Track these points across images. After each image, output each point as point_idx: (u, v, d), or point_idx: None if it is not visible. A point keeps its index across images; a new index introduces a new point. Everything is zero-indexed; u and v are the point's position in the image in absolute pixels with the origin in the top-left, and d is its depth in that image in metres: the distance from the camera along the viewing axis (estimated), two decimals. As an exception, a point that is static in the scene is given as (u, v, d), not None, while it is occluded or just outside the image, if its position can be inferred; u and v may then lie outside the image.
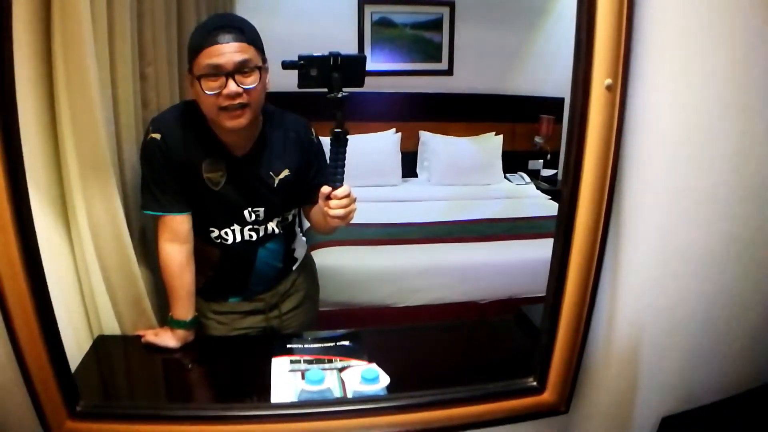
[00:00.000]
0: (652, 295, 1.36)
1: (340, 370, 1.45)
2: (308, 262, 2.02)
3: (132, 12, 1.69)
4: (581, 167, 1.15)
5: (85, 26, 1.36)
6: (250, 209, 1.69)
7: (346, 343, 1.58)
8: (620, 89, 1.12)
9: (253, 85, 1.47)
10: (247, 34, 1.48)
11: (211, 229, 1.69)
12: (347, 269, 2.90)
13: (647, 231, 1.29)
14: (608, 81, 1.10)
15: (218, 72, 1.44)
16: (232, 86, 1.44)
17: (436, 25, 4.29)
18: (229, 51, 1.44)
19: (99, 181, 1.47)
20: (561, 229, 1.21)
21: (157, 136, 1.56)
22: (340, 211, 1.48)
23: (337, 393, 1.35)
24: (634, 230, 1.28)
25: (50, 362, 1.13)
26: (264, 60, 1.52)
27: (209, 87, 1.45)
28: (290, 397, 1.35)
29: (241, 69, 1.45)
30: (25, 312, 1.09)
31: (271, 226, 1.74)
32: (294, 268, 1.91)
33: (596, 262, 1.22)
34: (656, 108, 1.20)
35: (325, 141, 1.53)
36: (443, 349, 1.69)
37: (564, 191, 1.19)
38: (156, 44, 1.90)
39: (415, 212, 3.65)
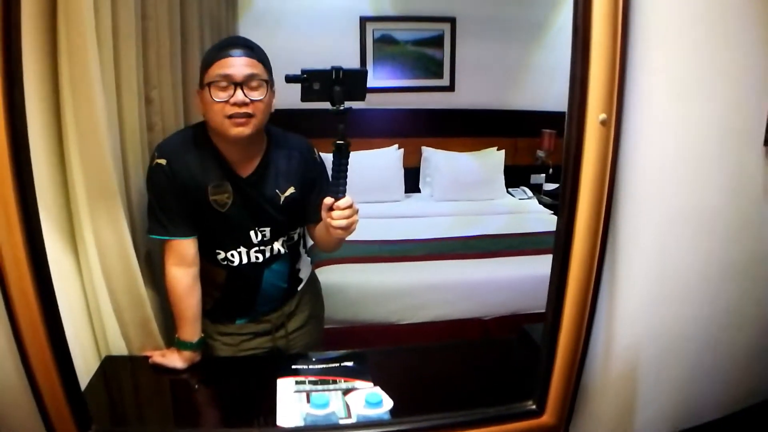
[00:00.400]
0: (649, 317, 1.38)
1: (345, 392, 1.46)
2: (313, 282, 2.03)
3: (137, 37, 1.72)
4: (576, 198, 1.19)
5: (90, 52, 1.38)
6: (256, 229, 1.70)
7: (350, 363, 1.59)
8: (614, 123, 1.15)
9: (260, 98, 1.53)
10: (257, 53, 1.56)
11: (217, 251, 1.71)
12: (351, 287, 2.91)
13: (643, 255, 1.32)
14: (603, 116, 1.14)
15: (228, 81, 1.50)
16: (239, 95, 1.50)
17: (437, 41, 4.33)
18: (240, 63, 1.51)
19: (106, 204, 1.49)
20: (558, 256, 1.24)
21: (163, 161, 1.58)
22: (343, 222, 1.49)
23: (342, 415, 1.36)
24: (629, 255, 1.31)
25: (62, 386, 1.15)
26: (271, 82, 1.58)
27: (218, 95, 1.51)
28: (296, 419, 1.36)
29: (249, 81, 1.51)
30: (37, 337, 1.11)
31: (277, 246, 1.76)
32: (299, 288, 1.92)
33: (593, 286, 1.24)
34: (650, 138, 1.23)
35: (328, 157, 1.55)
36: (446, 369, 1.69)
37: (560, 222, 1.22)
38: (160, 68, 1.93)
39: (418, 228, 3.67)
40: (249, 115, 1.52)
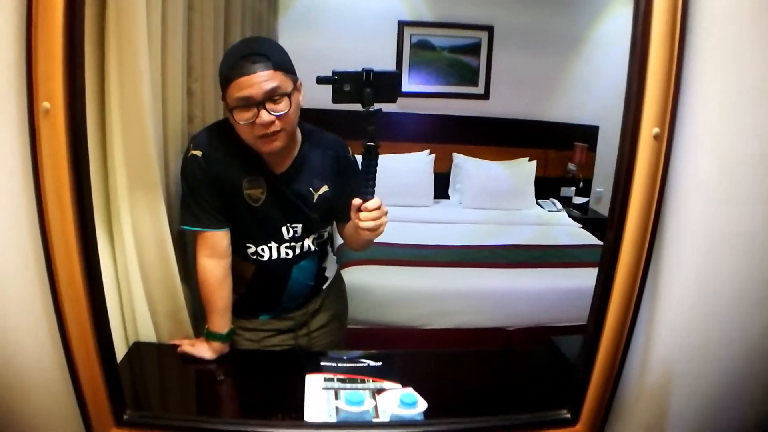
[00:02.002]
0: (685, 333, 1.36)
1: (374, 391, 1.46)
2: (338, 282, 2.03)
3: (183, 28, 1.74)
4: (626, 210, 1.18)
5: (141, 43, 1.40)
6: (288, 225, 1.71)
7: (378, 363, 1.59)
8: (666, 138, 1.16)
9: (285, 111, 1.49)
10: (274, 59, 1.50)
11: (247, 245, 1.72)
12: (376, 288, 2.91)
13: (684, 271, 1.31)
14: (656, 130, 1.14)
15: (249, 103, 1.47)
16: (264, 116, 1.47)
17: (474, 49, 4.32)
18: (257, 81, 1.46)
19: (146, 193, 1.51)
20: (604, 268, 1.24)
21: (198, 153, 1.59)
22: (371, 223, 1.48)
23: (371, 414, 1.36)
24: (672, 271, 1.30)
25: (101, 368, 1.16)
26: (294, 80, 1.54)
27: (242, 118, 1.49)
28: (324, 414, 1.36)
29: (271, 97, 1.47)
30: (80, 317, 1.13)
31: (308, 243, 1.76)
32: (324, 287, 1.93)
33: (635, 301, 1.24)
34: (699, 156, 1.22)
35: (357, 159, 1.56)
36: (474, 375, 1.70)
37: (608, 233, 1.22)
38: (203, 61, 1.94)
39: (445, 234, 3.66)
40: (277, 131, 1.51)
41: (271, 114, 1.47)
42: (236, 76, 1.46)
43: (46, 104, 1.02)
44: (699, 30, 1.15)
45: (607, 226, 1.24)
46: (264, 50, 1.50)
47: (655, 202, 1.18)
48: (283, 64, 1.51)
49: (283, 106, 1.49)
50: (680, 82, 1.15)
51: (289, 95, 1.50)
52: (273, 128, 1.49)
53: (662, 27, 1.10)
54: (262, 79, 1.46)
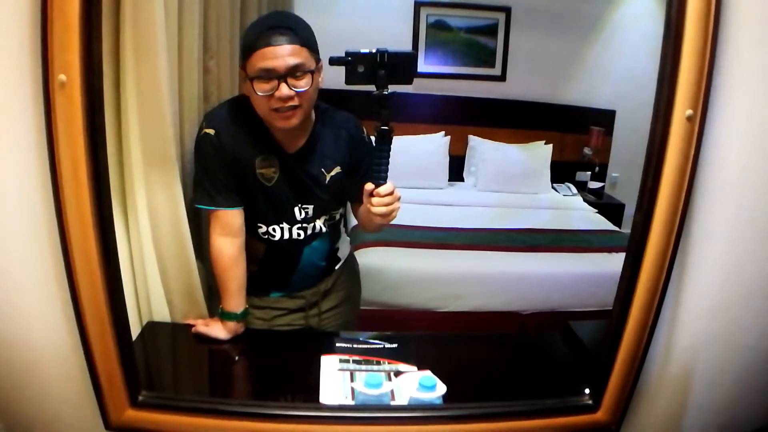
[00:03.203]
0: (709, 321, 1.35)
1: (390, 373, 1.45)
2: (351, 262, 2.02)
3: (200, 6, 1.72)
4: (657, 193, 1.17)
5: (157, 17, 1.38)
6: (300, 206, 1.69)
7: (393, 345, 1.58)
8: (699, 120, 1.13)
9: (305, 88, 1.47)
10: (301, 35, 1.47)
11: (259, 224, 1.70)
12: (390, 270, 2.91)
13: (712, 260, 1.29)
14: (689, 111, 1.12)
15: (271, 75, 1.44)
16: (284, 90, 1.44)
17: (491, 30, 4.28)
18: (282, 54, 1.43)
19: (162, 171, 1.50)
20: (632, 253, 1.22)
21: (211, 131, 1.57)
22: (383, 209, 1.47)
23: (388, 397, 1.35)
24: (699, 259, 1.28)
25: (117, 349, 1.15)
26: (317, 60, 1.52)
27: (262, 89, 1.46)
28: (339, 396, 1.35)
29: (293, 72, 1.45)
30: (95, 297, 1.12)
31: (319, 224, 1.75)
32: (337, 267, 1.92)
33: (662, 287, 1.23)
34: (731, 140, 1.21)
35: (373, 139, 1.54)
36: (491, 359, 1.68)
37: (637, 216, 1.20)
38: (219, 39, 1.92)
39: (460, 217, 3.65)
40: (294, 107, 1.48)
41: (291, 89, 1.45)
42: (261, 46, 1.44)
43: (62, 77, 1.00)
44: (734, 9, 1.12)
45: (636, 208, 1.21)
46: (292, 24, 1.48)
47: (686, 185, 1.16)
48: (309, 41, 1.49)
49: (304, 83, 1.47)
50: (714, 64, 1.12)
51: (311, 72, 1.48)
52: (290, 103, 1.47)
53: (697, 6, 1.08)
54: (287, 53, 1.44)
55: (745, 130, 1.21)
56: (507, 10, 4.25)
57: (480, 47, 4.31)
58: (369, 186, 1.47)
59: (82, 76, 1.01)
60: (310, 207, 1.71)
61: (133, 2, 1.32)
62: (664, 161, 1.14)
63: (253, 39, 1.46)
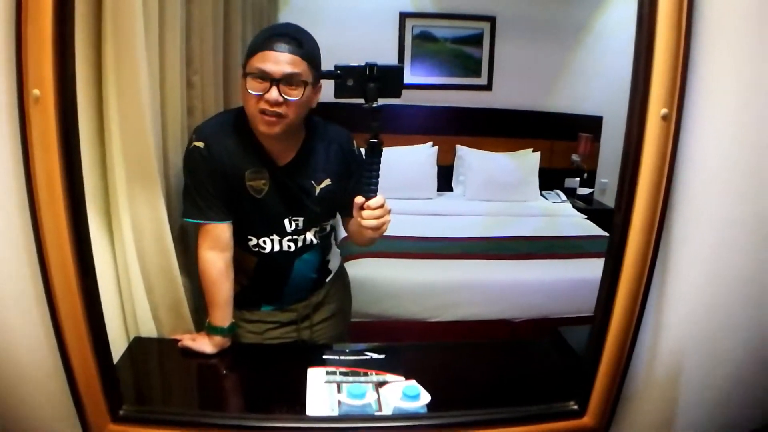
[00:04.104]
0: (695, 324, 1.35)
1: (377, 384, 1.44)
2: (342, 275, 2.02)
3: (182, 20, 1.72)
4: (634, 194, 1.16)
5: (137, 31, 1.38)
6: (290, 218, 1.69)
7: (381, 356, 1.57)
8: (675, 119, 1.13)
9: (296, 98, 1.48)
10: (306, 49, 1.49)
11: (249, 237, 1.70)
12: (380, 281, 2.90)
13: (694, 260, 1.29)
14: (664, 110, 1.12)
15: (265, 77, 1.46)
16: (273, 93, 1.45)
17: (476, 40, 4.30)
18: (281, 60, 1.45)
19: (145, 185, 1.49)
20: (611, 255, 1.22)
21: (201, 144, 1.57)
22: (373, 222, 1.47)
23: (374, 407, 1.34)
24: (681, 259, 1.28)
25: (96, 363, 1.15)
26: (316, 77, 1.52)
27: (253, 87, 1.47)
28: (326, 408, 1.35)
29: (288, 80, 1.46)
30: (74, 311, 1.11)
31: (309, 236, 1.75)
32: (328, 279, 1.91)
33: (643, 289, 1.22)
34: (708, 139, 1.21)
35: (361, 153, 1.54)
36: (479, 367, 1.67)
37: (616, 218, 1.20)
38: (203, 53, 1.93)
39: (449, 227, 3.65)
40: (280, 115, 1.48)
41: (281, 95, 1.46)
42: (265, 48, 1.46)
43: (36, 91, 1.01)
44: (708, 6, 1.12)
45: (614, 211, 1.22)
46: (301, 37, 1.50)
47: (664, 185, 1.16)
48: (312, 57, 1.51)
49: (296, 93, 1.48)
50: (689, 61, 1.12)
51: (305, 85, 1.49)
52: (276, 109, 1.47)
53: (670, 3, 1.08)
54: (287, 60, 1.46)
55: (723, 127, 1.21)
56: (492, 20, 4.27)
57: (466, 57, 4.33)
58: (359, 199, 1.47)
59: (55, 90, 1.01)
60: (301, 219, 1.71)
61: (113, 17, 1.33)
62: (641, 161, 1.14)
63: (259, 41, 1.49)
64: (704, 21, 1.13)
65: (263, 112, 1.48)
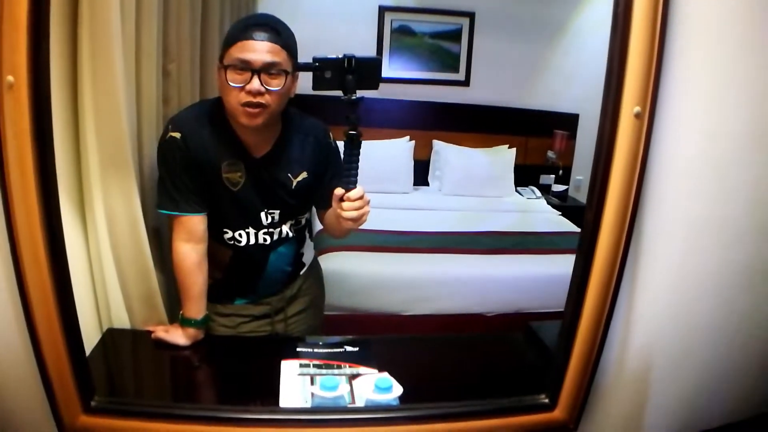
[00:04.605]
0: (665, 319, 1.37)
1: (350, 377, 1.45)
2: (315, 267, 2.02)
3: (159, 9, 1.71)
4: (606, 191, 1.17)
5: (113, 20, 1.36)
6: (266, 210, 1.69)
7: (355, 349, 1.58)
8: (648, 117, 1.15)
9: (277, 88, 1.48)
10: (283, 37, 1.49)
11: (224, 230, 1.69)
12: (355, 275, 2.91)
13: (664, 257, 1.31)
14: (637, 108, 1.13)
15: (246, 67, 1.45)
16: (255, 83, 1.45)
17: (455, 35, 4.32)
18: (261, 49, 1.45)
19: (119, 175, 1.48)
20: (582, 252, 1.23)
21: (177, 135, 1.56)
22: (353, 213, 1.47)
23: (347, 400, 1.35)
24: (651, 256, 1.30)
25: (68, 354, 1.14)
26: (294, 68, 1.52)
27: (234, 79, 1.46)
28: (299, 401, 1.35)
29: (268, 69, 1.46)
30: (46, 302, 1.10)
31: (285, 229, 1.75)
32: (302, 272, 1.92)
33: (614, 285, 1.24)
34: (680, 137, 1.22)
35: (339, 145, 1.54)
36: (452, 361, 1.69)
37: (588, 214, 1.21)
38: (180, 42, 1.92)
39: (425, 221, 3.66)
40: (262, 105, 1.48)
41: (263, 85, 1.46)
42: (243, 38, 1.46)
43: (10, 78, 0.99)
44: (681, 5, 1.14)
45: (586, 208, 1.23)
46: (278, 27, 1.50)
47: (636, 183, 1.17)
48: (290, 46, 1.51)
49: (277, 83, 1.48)
50: (662, 60, 1.14)
51: (286, 74, 1.49)
52: (259, 99, 1.47)
53: (645, 3, 1.09)
54: (266, 49, 1.46)
55: (695, 126, 1.22)
56: (471, 16, 4.29)
57: (444, 52, 4.35)
58: (339, 191, 1.47)
59: (29, 77, 0.99)
60: (277, 212, 1.71)
61: (89, 5, 1.31)
62: (613, 158, 1.15)
63: (236, 32, 1.48)
64: (678, 21, 1.14)
65: (246, 104, 1.47)
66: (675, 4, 1.13)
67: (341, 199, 1.47)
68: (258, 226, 1.70)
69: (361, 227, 1.55)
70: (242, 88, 1.46)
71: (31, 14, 0.99)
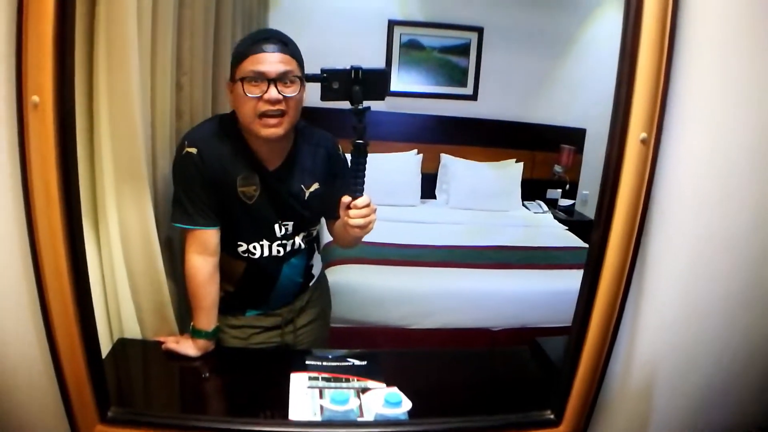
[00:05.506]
0: (670, 335, 1.39)
1: (359, 390, 1.46)
2: (323, 279, 2.04)
3: (174, 21, 1.73)
4: (612, 213, 1.20)
5: (130, 33, 1.39)
6: (280, 222, 1.71)
7: (363, 363, 1.59)
8: (654, 143, 1.18)
9: (293, 95, 1.51)
10: (291, 48, 1.53)
11: (239, 243, 1.71)
12: (361, 288, 2.91)
13: (668, 276, 1.33)
14: (643, 135, 1.16)
15: (261, 77, 1.48)
16: (273, 92, 1.48)
17: (463, 50, 4.32)
18: (273, 60, 1.49)
19: (133, 188, 1.50)
20: (589, 270, 1.25)
21: (194, 150, 1.58)
22: (360, 221, 1.50)
23: (356, 414, 1.36)
24: (657, 274, 1.32)
25: (86, 365, 1.15)
26: (303, 78, 1.55)
27: (251, 90, 1.49)
28: (308, 414, 1.37)
29: (283, 78, 1.49)
30: (65, 312, 1.12)
31: (298, 240, 1.77)
32: (311, 284, 1.93)
33: (620, 302, 1.26)
34: (686, 161, 1.25)
35: (346, 157, 1.57)
36: (458, 375, 1.70)
37: (595, 234, 1.23)
38: (193, 55, 1.94)
39: (432, 235, 3.65)
40: (282, 113, 1.51)
41: (280, 93, 1.49)
42: (254, 52, 1.50)
43: (35, 98, 1.01)
44: (688, 35, 1.17)
45: (593, 227, 1.25)
46: (283, 39, 1.54)
47: (641, 205, 1.20)
48: (298, 57, 1.55)
49: (292, 90, 1.51)
50: (668, 87, 1.16)
51: (300, 80, 1.52)
52: (278, 107, 1.50)
53: (652, 31, 1.12)
54: (278, 59, 1.50)
55: (699, 152, 1.25)
56: (479, 30, 4.29)
57: (452, 66, 4.35)
58: (346, 199, 1.49)
59: (54, 97, 1.01)
60: (290, 223, 1.72)
61: (106, 19, 1.34)
62: (620, 182, 1.18)
63: (245, 48, 1.52)
64: (684, 50, 1.17)
65: (264, 114, 1.50)
66: (682, 32, 1.15)
67: (348, 207, 1.50)
68: (272, 238, 1.72)
69: (367, 240, 1.58)
70: (260, 98, 1.49)
71: (56, 31, 1.01)
